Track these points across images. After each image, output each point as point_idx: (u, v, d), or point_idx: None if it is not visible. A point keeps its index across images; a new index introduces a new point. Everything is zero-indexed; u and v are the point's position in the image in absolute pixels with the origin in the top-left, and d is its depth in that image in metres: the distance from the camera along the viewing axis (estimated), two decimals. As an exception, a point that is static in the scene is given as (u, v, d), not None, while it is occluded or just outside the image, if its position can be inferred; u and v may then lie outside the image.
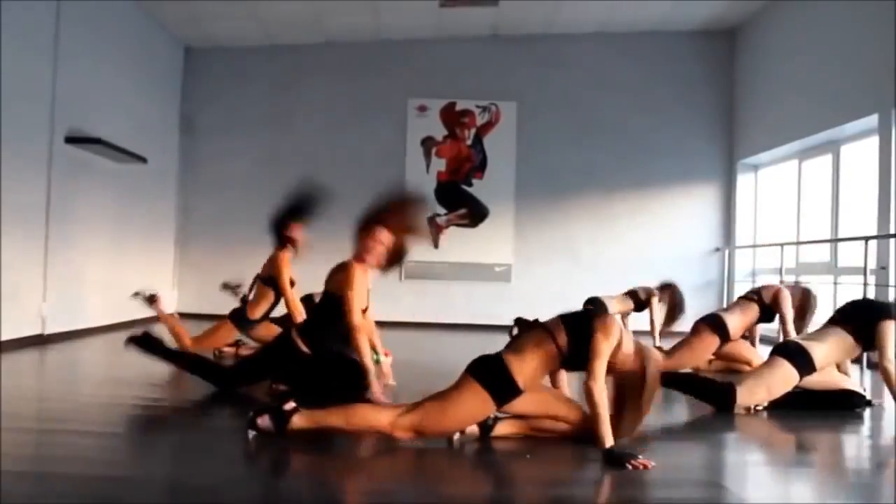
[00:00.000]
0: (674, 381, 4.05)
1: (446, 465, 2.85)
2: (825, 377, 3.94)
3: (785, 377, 3.79)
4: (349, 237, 3.82)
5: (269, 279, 5.03)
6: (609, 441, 2.74)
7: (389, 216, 3.73)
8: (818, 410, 3.84)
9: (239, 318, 5.12)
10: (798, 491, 2.69)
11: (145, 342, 4.09)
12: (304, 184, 5.04)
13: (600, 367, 2.81)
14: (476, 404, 2.83)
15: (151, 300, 5.27)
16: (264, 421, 2.90)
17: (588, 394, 2.79)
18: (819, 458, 3.21)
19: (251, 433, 2.91)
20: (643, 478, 2.61)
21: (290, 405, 2.91)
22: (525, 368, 2.85)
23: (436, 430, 2.88)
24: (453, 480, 2.68)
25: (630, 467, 2.65)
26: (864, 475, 2.95)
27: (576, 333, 2.87)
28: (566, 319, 2.95)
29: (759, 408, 3.85)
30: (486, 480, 2.76)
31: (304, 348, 3.88)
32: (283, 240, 5.00)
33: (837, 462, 3.18)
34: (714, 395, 3.88)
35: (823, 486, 2.76)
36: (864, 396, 3.99)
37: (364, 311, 3.81)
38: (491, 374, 2.84)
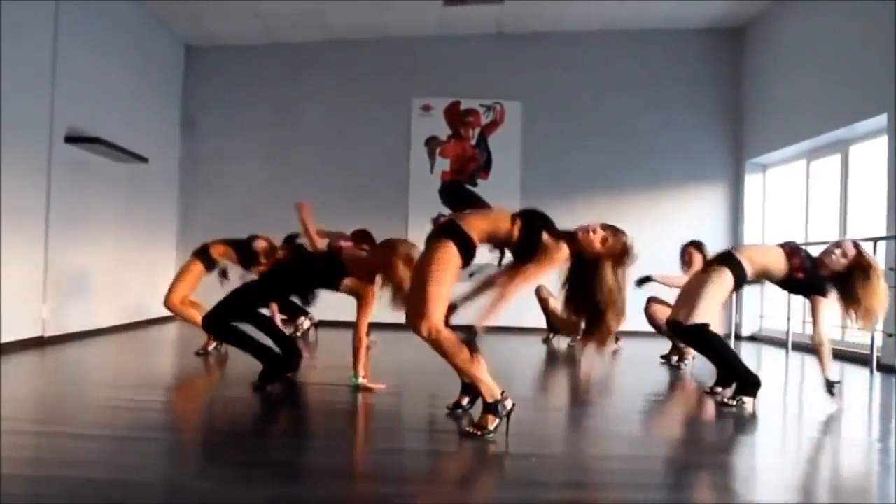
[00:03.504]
0: None
1: (440, 465, 2.83)
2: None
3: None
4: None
5: None
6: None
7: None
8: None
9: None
10: (798, 491, 2.65)
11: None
12: None
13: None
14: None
15: None
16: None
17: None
18: (818, 457, 3.20)
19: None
20: (641, 480, 2.59)
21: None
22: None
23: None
24: (449, 481, 2.66)
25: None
26: (864, 475, 2.90)
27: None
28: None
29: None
30: (484, 481, 2.72)
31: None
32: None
33: (836, 461, 3.16)
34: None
35: (821, 485, 2.74)
36: None
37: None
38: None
